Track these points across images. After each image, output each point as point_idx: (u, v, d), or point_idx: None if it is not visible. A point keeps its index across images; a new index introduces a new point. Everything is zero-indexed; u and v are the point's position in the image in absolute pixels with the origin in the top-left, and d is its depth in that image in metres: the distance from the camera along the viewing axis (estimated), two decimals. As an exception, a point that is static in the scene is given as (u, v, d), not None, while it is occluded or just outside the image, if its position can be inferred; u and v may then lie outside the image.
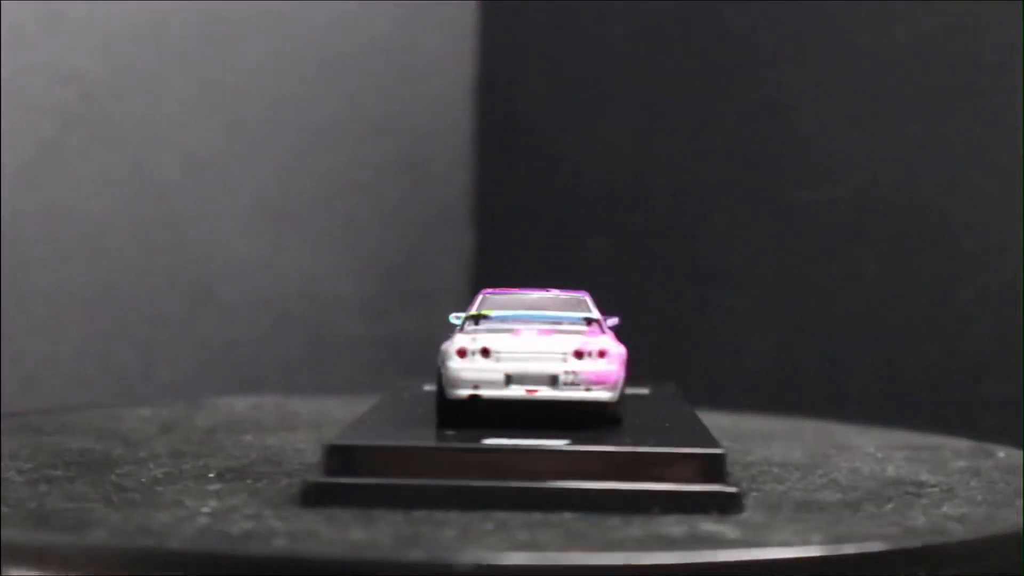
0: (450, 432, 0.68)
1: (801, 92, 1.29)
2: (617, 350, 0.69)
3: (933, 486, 0.70)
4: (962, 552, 0.62)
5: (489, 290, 0.75)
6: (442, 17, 1.46)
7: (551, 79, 1.46)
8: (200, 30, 1.25)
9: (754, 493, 0.67)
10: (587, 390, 0.68)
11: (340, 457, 0.64)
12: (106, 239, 1.19)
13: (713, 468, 0.63)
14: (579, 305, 0.73)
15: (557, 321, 0.71)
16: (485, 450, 0.64)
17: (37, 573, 0.56)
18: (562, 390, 0.69)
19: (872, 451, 0.81)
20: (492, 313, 0.71)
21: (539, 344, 0.69)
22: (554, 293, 0.74)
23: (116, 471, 0.70)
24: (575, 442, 0.65)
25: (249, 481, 0.69)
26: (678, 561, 0.54)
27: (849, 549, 0.58)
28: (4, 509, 0.62)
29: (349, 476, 0.63)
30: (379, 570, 0.54)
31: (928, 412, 1.19)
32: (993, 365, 1.18)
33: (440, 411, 0.70)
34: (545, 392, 0.69)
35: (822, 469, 0.74)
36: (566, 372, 0.68)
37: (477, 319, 0.71)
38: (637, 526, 0.59)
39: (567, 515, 0.61)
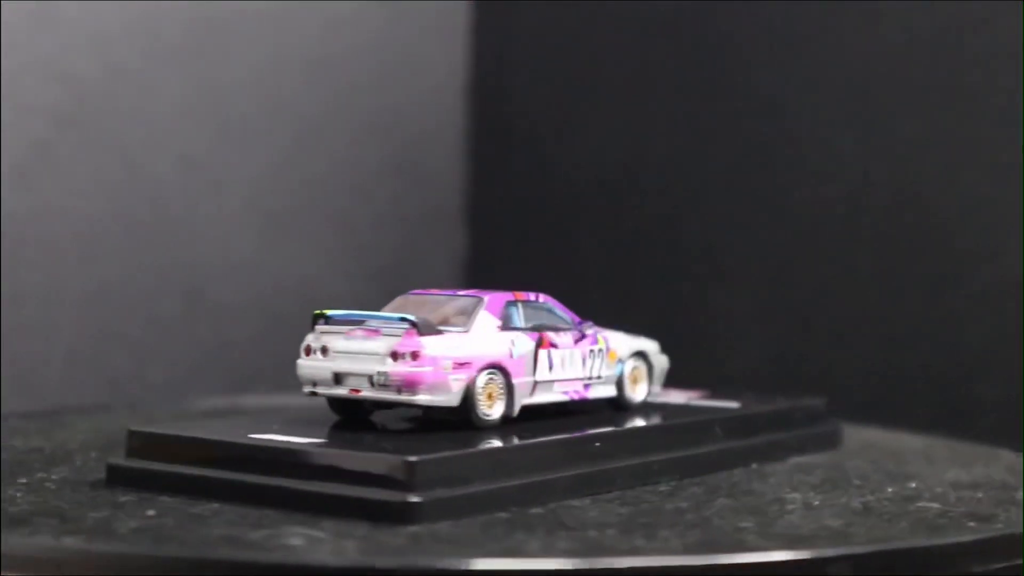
0: (275, 426, 0.71)
1: (795, 91, 1.29)
2: (437, 352, 0.69)
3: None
4: (960, 553, 0.62)
5: (416, 291, 0.78)
6: (434, 16, 1.45)
7: (544, 78, 1.46)
8: (192, 30, 1.25)
9: (538, 510, 0.65)
10: (398, 392, 0.69)
11: (137, 442, 0.70)
12: (98, 240, 1.18)
13: (396, 476, 0.62)
14: (465, 309, 0.73)
15: (388, 321, 0.71)
16: (242, 445, 0.67)
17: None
18: (379, 391, 0.69)
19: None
20: (330, 312, 0.72)
21: (362, 345, 0.70)
22: (464, 294, 0.75)
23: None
24: (332, 444, 0.67)
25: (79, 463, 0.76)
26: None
27: (836, 551, 0.58)
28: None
29: (141, 460, 0.69)
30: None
31: (924, 413, 1.19)
32: (990, 366, 1.18)
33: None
34: (366, 392, 0.70)
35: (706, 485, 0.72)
36: (378, 373, 0.69)
37: (327, 318, 0.72)
38: (234, 525, 0.61)
39: (268, 511, 0.63)
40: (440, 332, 0.70)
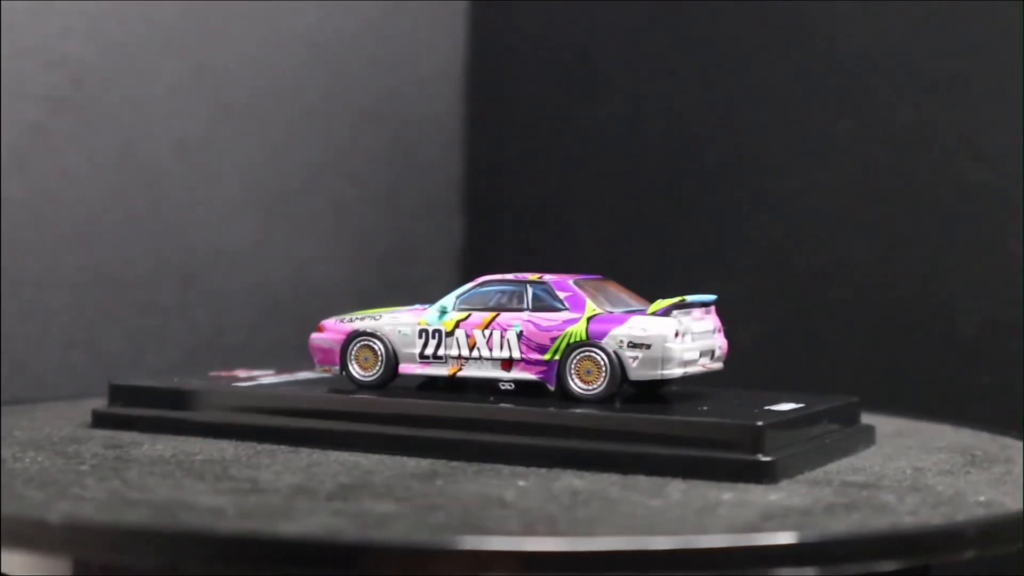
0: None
1: (792, 79, 1.29)
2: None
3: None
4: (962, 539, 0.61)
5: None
6: (432, 3, 1.45)
7: (542, 66, 1.46)
8: (189, 14, 1.24)
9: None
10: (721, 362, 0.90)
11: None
12: (95, 225, 1.18)
13: None
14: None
15: None
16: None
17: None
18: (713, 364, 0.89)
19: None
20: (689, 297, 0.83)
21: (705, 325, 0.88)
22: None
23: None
24: None
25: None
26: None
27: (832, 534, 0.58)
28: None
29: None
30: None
31: (919, 400, 1.19)
32: (985, 353, 1.18)
33: None
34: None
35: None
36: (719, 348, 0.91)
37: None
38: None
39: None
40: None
